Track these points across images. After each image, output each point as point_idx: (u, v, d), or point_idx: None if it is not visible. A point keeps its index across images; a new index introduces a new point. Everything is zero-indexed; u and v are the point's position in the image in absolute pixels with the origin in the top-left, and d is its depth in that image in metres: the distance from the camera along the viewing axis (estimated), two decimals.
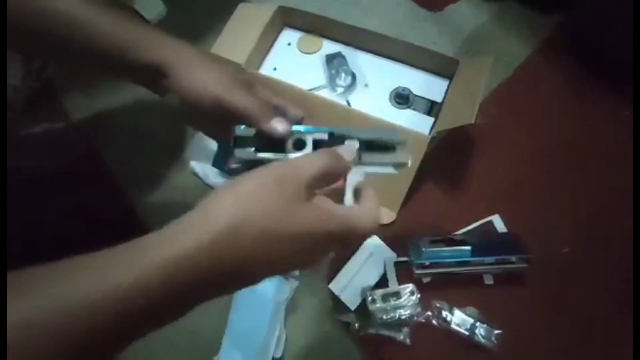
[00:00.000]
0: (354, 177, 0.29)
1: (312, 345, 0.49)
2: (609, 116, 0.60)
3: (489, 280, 0.50)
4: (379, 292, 0.49)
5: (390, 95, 0.58)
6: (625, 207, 0.54)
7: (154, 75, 0.34)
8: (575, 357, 0.48)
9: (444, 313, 0.48)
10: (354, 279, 0.51)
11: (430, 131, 0.55)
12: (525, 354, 0.47)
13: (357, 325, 0.48)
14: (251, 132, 0.31)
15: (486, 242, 0.50)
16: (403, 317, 0.48)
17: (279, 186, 0.24)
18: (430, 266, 0.49)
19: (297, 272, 0.52)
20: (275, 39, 0.64)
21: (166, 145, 0.60)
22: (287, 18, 0.63)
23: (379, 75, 0.60)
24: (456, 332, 0.47)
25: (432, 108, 0.57)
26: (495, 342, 0.47)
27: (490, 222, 0.53)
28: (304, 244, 0.24)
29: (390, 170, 0.31)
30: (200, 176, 0.57)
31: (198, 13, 0.67)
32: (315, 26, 0.63)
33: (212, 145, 0.50)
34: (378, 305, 0.48)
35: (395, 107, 0.58)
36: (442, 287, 0.50)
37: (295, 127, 0.30)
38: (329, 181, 0.27)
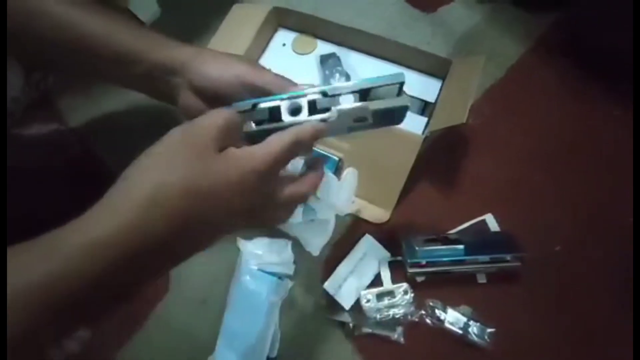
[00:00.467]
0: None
1: (306, 345, 0.49)
2: (602, 115, 0.60)
3: (482, 279, 0.51)
4: (373, 291, 0.49)
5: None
6: (618, 205, 0.54)
7: (162, 76, 0.33)
8: (569, 355, 0.48)
9: (438, 312, 0.48)
10: (349, 278, 0.51)
11: (423, 131, 0.55)
12: (518, 352, 0.48)
13: (351, 324, 0.49)
14: (248, 105, 0.30)
15: (479, 241, 0.50)
16: (397, 316, 0.48)
17: (188, 145, 0.24)
18: (424, 265, 0.49)
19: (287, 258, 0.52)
20: (270, 39, 0.64)
21: None
22: (281, 19, 0.64)
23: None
24: (450, 331, 0.48)
25: (425, 108, 0.58)
26: (488, 340, 0.47)
27: (483, 221, 0.54)
28: (234, 193, 0.24)
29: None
30: None
31: (192, 14, 0.67)
32: (309, 27, 0.63)
33: None
34: (372, 304, 0.49)
35: None
36: (435, 286, 0.50)
37: (288, 94, 0.30)
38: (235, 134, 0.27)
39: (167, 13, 0.66)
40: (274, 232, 0.53)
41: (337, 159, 0.53)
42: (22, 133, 0.60)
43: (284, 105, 0.29)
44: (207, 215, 0.24)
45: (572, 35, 0.65)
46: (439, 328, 0.48)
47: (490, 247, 0.49)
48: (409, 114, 0.57)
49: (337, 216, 0.51)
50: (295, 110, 0.29)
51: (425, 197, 0.55)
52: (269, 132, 0.28)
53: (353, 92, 0.29)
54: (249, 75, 0.32)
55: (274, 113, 0.29)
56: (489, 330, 0.47)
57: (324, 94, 0.29)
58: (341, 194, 0.50)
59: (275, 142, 0.26)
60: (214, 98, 0.32)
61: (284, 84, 0.32)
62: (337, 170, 0.53)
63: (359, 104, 0.29)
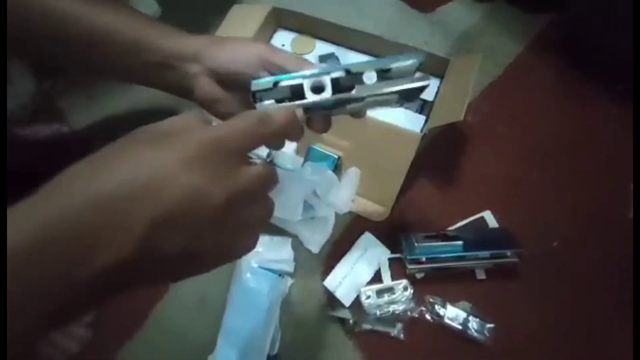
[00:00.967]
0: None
1: (307, 342, 0.50)
2: (600, 114, 0.61)
3: (481, 275, 0.51)
4: (373, 288, 0.50)
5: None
6: (617, 203, 0.55)
7: (177, 64, 0.32)
8: (568, 350, 0.48)
9: (437, 308, 0.48)
10: (348, 275, 0.51)
11: (422, 129, 0.56)
12: (517, 347, 0.48)
13: (351, 321, 0.49)
14: (269, 84, 0.28)
15: (478, 237, 0.51)
16: (397, 312, 0.48)
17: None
18: (424, 262, 0.49)
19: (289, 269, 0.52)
20: (269, 40, 0.65)
21: None
22: (280, 19, 0.64)
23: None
24: (449, 327, 0.48)
25: (423, 106, 0.58)
26: (488, 335, 0.47)
27: (482, 218, 0.54)
28: (192, 167, 0.20)
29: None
30: None
31: (192, 14, 0.68)
32: (308, 27, 0.64)
33: None
34: (372, 301, 0.49)
35: None
36: (435, 282, 0.51)
37: (310, 72, 0.28)
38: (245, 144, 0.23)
39: (166, 13, 0.66)
40: (275, 229, 0.54)
41: (336, 157, 0.54)
42: (23, 134, 0.61)
43: (307, 83, 0.28)
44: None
45: (570, 33, 0.66)
46: (439, 324, 0.48)
47: (489, 244, 0.50)
48: (407, 112, 0.58)
49: (336, 214, 0.52)
50: (318, 89, 0.28)
51: (424, 194, 0.56)
52: None
53: (375, 70, 0.28)
54: (269, 55, 0.31)
55: (296, 92, 0.28)
56: (489, 325, 0.48)
57: (348, 71, 0.28)
58: (341, 193, 0.51)
59: (240, 116, 0.24)
60: (233, 82, 0.32)
61: (304, 64, 0.31)
62: (336, 169, 0.54)
63: (383, 83, 0.28)
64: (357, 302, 0.50)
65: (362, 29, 0.60)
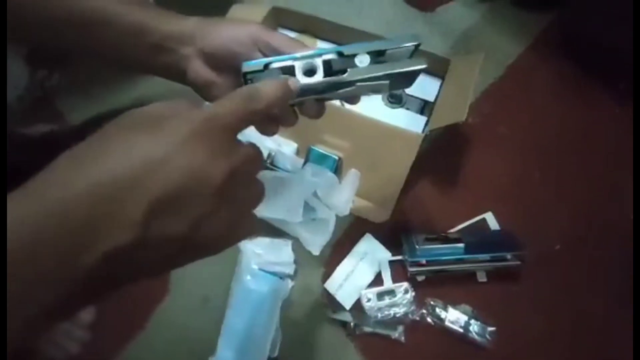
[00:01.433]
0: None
1: (308, 345, 0.49)
2: (602, 113, 0.60)
3: (482, 277, 0.51)
4: (374, 290, 0.49)
5: (383, 94, 0.59)
6: (618, 204, 0.55)
7: (172, 47, 0.32)
8: (570, 353, 0.48)
9: (438, 311, 0.48)
10: (349, 278, 0.51)
11: (423, 130, 0.55)
12: (519, 351, 0.48)
13: (352, 324, 0.49)
14: (260, 65, 0.27)
15: (480, 239, 0.50)
16: (398, 315, 0.48)
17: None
18: (425, 264, 0.49)
19: (290, 269, 0.52)
20: None
21: None
22: (280, 19, 0.64)
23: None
24: (451, 330, 0.48)
25: (425, 107, 0.58)
26: (489, 339, 0.47)
27: (484, 220, 0.54)
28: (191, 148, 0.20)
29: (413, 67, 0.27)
30: None
31: (191, 14, 0.67)
32: (308, 27, 0.63)
33: None
34: (373, 303, 0.49)
35: (389, 106, 0.58)
36: (436, 285, 0.50)
37: (302, 54, 0.28)
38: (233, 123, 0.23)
39: None
40: (275, 231, 0.53)
41: (336, 158, 0.53)
42: (22, 133, 0.60)
43: (298, 66, 0.27)
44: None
45: (571, 32, 0.65)
46: (440, 327, 0.48)
47: (490, 246, 0.49)
48: (408, 112, 0.58)
49: (337, 215, 0.51)
50: (309, 71, 0.27)
51: (425, 195, 0.56)
52: None
53: (369, 52, 0.27)
54: (262, 35, 0.30)
55: (287, 74, 0.27)
56: (490, 329, 0.47)
57: (340, 54, 0.27)
58: (342, 195, 0.50)
59: (230, 94, 0.23)
60: (225, 63, 0.31)
61: (297, 45, 0.30)
62: (337, 170, 0.53)
63: (376, 66, 0.27)
64: (357, 305, 0.50)
65: (362, 28, 0.59)
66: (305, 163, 0.53)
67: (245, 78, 0.28)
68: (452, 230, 0.53)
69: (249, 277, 0.50)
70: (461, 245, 0.48)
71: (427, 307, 0.49)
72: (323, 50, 0.27)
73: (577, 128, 0.59)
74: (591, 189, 0.56)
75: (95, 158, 0.19)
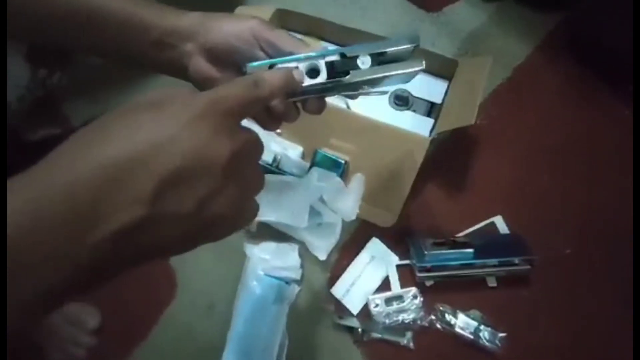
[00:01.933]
0: None
1: (315, 351, 0.49)
2: (610, 115, 0.59)
3: (492, 282, 0.50)
4: (382, 296, 0.49)
5: (389, 97, 0.58)
6: (628, 206, 0.53)
7: (173, 43, 0.32)
8: (582, 358, 0.47)
9: (448, 316, 0.47)
10: (356, 283, 0.51)
11: (430, 132, 0.54)
12: (530, 357, 0.47)
13: (360, 330, 0.48)
14: (264, 67, 0.28)
15: (489, 244, 0.50)
16: (406, 321, 0.47)
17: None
18: (433, 269, 0.48)
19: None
20: None
21: None
22: (285, 21, 0.63)
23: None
24: (460, 336, 0.47)
25: (431, 109, 0.57)
26: (499, 345, 0.46)
27: (493, 224, 0.53)
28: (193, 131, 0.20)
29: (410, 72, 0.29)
30: None
31: None
32: (313, 29, 0.62)
33: None
34: (381, 309, 0.48)
35: (395, 109, 0.57)
36: (445, 290, 0.49)
37: (305, 54, 0.29)
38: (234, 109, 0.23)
39: None
40: (281, 236, 0.53)
41: (343, 162, 0.53)
42: (27, 138, 0.60)
43: (302, 67, 0.28)
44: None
45: (579, 33, 0.64)
46: (449, 333, 0.47)
47: (500, 251, 0.48)
48: (415, 115, 0.57)
49: (343, 220, 0.51)
50: (313, 72, 0.28)
51: (433, 199, 0.55)
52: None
53: (370, 54, 0.29)
54: (263, 31, 0.30)
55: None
56: (501, 335, 0.46)
57: (343, 55, 0.28)
58: (348, 199, 0.50)
59: (236, 80, 0.24)
60: (226, 59, 0.31)
61: (298, 44, 0.30)
62: (343, 174, 0.53)
63: (377, 68, 0.29)
64: (365, 310, 0.49)
65: (367, 30, 0.59)
66: (311, 167, 0.53)
67: None
68: (460, 234, 0.52)
69: (255, 283, 0.50)
70: (470, 250, 0.48)
71: (436, 313, 0.48)
72: (326, 51, 0.28)
73: (586, 130, 0.59)
74: (601, 191, 0.55)
75: (101, 140, 0.19)
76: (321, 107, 0.32)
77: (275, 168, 0.53)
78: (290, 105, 0.30)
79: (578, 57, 0.63)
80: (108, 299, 0.50)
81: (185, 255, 0.23)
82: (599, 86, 0.61)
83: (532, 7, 0.66)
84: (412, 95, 0.58)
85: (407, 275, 0.50)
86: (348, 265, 0.51)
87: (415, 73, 0.29)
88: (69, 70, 0.62)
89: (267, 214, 0.50)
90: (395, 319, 0.47)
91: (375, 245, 0.52)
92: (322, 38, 0.63)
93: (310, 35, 0.63)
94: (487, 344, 0.46)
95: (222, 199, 0.21)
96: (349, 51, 0.28)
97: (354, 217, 0.50)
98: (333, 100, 0.58)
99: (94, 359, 0.49)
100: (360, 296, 0.50)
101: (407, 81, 0.31)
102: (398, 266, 0.51)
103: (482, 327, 0.47)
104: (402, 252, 0.51)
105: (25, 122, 0.60)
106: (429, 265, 0.48)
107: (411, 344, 0.47)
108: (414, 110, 0.57)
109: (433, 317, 0.48)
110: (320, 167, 0.52)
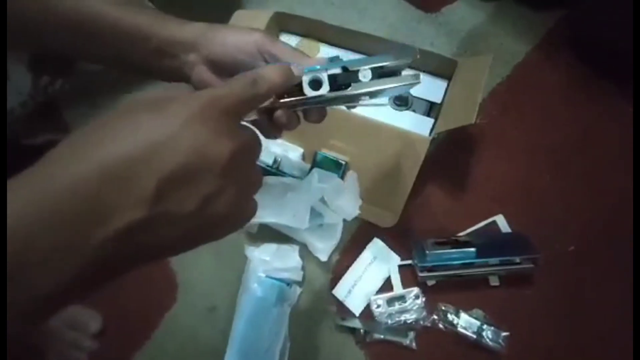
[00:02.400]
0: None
1: (317, 352, 0.48)
2: (610, 112, 0.59)
3: (494, 281, 0.50)
4: (384, 296, 0.49)
5: (389, 97, 0.58)
6: (630, 204, 0.53)
7: (174, 53, 0.32)
8: (585, 358, 0.47)
9: (450, 316, 0.47)
10: (358, 283, 0.50)
11: (430, 132, 0.54)
12: (534, 357, 0.47)
13: (362, 330, 0.48)
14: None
15: (491, 243, 0.49)
16: (409, 321, 0.47)
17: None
18: (435, 269, 0.48)
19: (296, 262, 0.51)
20: None
21: None
22: (283, 24, 0.63)
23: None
24: (463, 336, 0.47)
25: (431, 109, 0.57)
26: (503, 344, 0.46)
27: (494, 222, 0.53)
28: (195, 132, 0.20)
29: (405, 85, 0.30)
30: None
31: (195, 19, 0.67)
32: (312, 31, 0.63)
33: None
34: (383, 309, 0.48)
35: (395, 109, 0.57)
36: (447, 289, 0.49)
37: (307, 68, 0.29)
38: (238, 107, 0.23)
39: None
40: (282, 237, 0.53)
41: (343, 162, 0.53)
42: (28, 144, 0.60)
43: (305, 79, 0.29)
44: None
45: (579, 30, 0.64)
46: (452, 333, 0.47)
47: (502, 249, 0.48)
48: (415, 115, 0.57)
49: (344, 220, 0.51)
50: (316, 83, 0.29)
51: (434, 198, 0.55)
52: (291, 106, 0.28)
53: (370, 68, 0.30)
54: (266, 44, 0.31)
55: (295, 86, 0.29)
56: (504, 334, 0.46)
57: (345, 69, 0.29)
58: (348, 199, 0.50)
59: (235, 78, 0.24)
60: (229, 70, 0.32)
61: (301, 56, 0.31)
62: (344, 174, 0.53)
63: (377, 81, 0.30)
64: (367, 311, 0.49)
65: (366, 31, 0.59)
66: (311, 168, 0.53)
67: None
68: (462, 234, 0.52)
69: (256, 285, 0.50)
70: (472, 249, 0.47)
71: (439, 313, 0.48)
72: (328, 65, 0.29)
73: (586, 128, 0.58)
74: (602, 188, 0.54)
75: (101, 139, 0.19)
76: (322, 116, 0.33)
77: (276, 170, 0.53)
78: (292, 114, 0.31)
79: (577, 55, 0.63)
80: (109, 303, 0.50)
81: (186, 258, 0.23)
82: (599, 84, 0.61)
83: (531, 5, 0.66)
84: (411, 95, 0.58)
85: (408, 276, 0.50)
86: (349, 266, 0.51)
87: (413, 85, 0.30)
88: (71, 77, 0.63)
89: (268, 216, 0.50)
90: (397, 319, 0.47)
91: (376, 246, 0.52)
92: (320, 40, 0.63)
93: (308, 38, 0.63)
94: (490, 343, 0.46)
95: (223, 198, 0.21)
96: (351, 65, 0.29)
97: (355, 215, 0.50)
98: None
99: None
100: (362, 297, 0.49)
101: (406, 92, 0.32)
102: (400, 266, 0.51)
103: (484, 326, 0.46)
104: (403, 252, 0.51)
105: (27, 128, 0.60)
106: (430, 265, 0.47)
107: (414, 344, 0.47)
108: (413, 110, 0.57)
109: (435, 317, 0.47)
110: (321, 168, 0.52)
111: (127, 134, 0.19)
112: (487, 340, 0.46)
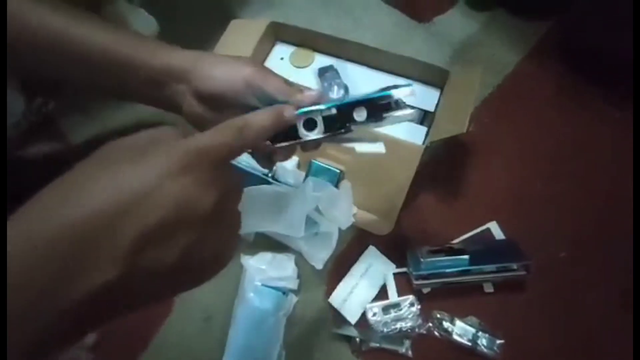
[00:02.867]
0: None
1: None
2: (600, 118, 0.60)
3: (489, 288, 0.50)
4: (379, 304, 0.49)
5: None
6: (621, 209, 0.54)
7: (165, 82, 0.32)
8: None
9: (445, 324, 0.47)
10: (354, 291, 0.51)
11: (424, 140, 0.55)
12: None
13: (358, 339, 0.48)
14: None
15: (484, 250, 0.50)
16: (404, 329, 0.47)
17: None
18: (430, 276, 0.48)
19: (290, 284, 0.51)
20: (268, 54, 0.64)
21: None
22: (279, 33, 0.64)
23: (371, 87, 0.60)
24: (458, 343, 0.47)
25: (424, 117, 0.58)
26: (498, 351, 0.46)
27: (488, 230, 0.53)
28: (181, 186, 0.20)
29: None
30: None
31: (190, 30, 0.67)
32: (307, 40, 0.63)
33: None
34: (378, 317, 0.48)
35: None
36: (442, 297, 0.50)
37: (301, 110, 0.29)
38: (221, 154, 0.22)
39: (166, 29, 0.66)
40: (278, 246, 0.53)
41: (337, 171, 0.53)
42: (23, 154, 0.60)
43: (300, 121, 0.29)
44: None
45: (568, 41, 0.66)
46: (447, 340, 0.47)
47: (495, 256, 0.49)
48: (408, 124, 0.58)
49: (340, 229, 0.51)
50: (311, 122, 0.29)
51: (428, 206, 0.55)
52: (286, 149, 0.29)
53: (365, 107, 0.31)
54: (256, 79, 0.31)
55: (290, 128, 0.29)
56: (499, 341, 0.46)
57: (339, 109, 0.30)
58: (342, 208, 0.50)
59: (222, 126, 0.23)
60: (220, 103, 0.31)
61: (291, 91, 0.31)
62: (338, 183, 0.53)
63: (371, 123, 0.31)
64: (363, 319, 0.49)
65: (360, 40, 0.60)
66: (306, 177, 0.53)
67: None
68: (456, 241, 0.53)
69: (252, 294, 0.50)
70: (466, 256, 0.48)
71: (434, 320, 0.48)
72: (321, 106, 0.30)
73: (577, 134, 0.59)
74: (594, 194, 0.55)
75: (80, 190, 0.19)
76: (317, 147, 0.33)
77: (271, 178, 0.54)
78: (288, 151, 0.32)
79: (568, 63, 0.64)
80: None
81: None
82: (589, 90, 0.62)
83: (522, 15, 0.68)
84: (405, 103, 0.58)
85: (404, 283, 0.51)
86: (345, 274, 0.51)
87: (405, 120, 0.31)
88: (64, 98, 0.63)
89: (263, 225, 0.50)
90: (393, 327, 0.47)
91: (371, 254, 0.52)
92: (315, 49, 0.64)
93: (303, 47, 0.64)
94: (485, 350, 0.46)
95: (203, 246, 0.21)
96: (346, 106, 0.30)
97: (349, 225, 0.50)
98: None
99: None
100: (358, 305, 0.50)
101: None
102: (395, 274, 0.51)
103: (479, 333, 0.47)
104: (398, 260, 0.52)
105: (24, 142, 0.60)
106: (425, 272, 0.48)
107: (409, 352, 0.47)
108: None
109: (430, 325, 0.48)
110: (316, 177, 0.52)
111: (106, 185, 0.19)
112: (482, 347, 0.46)
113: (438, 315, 0.48)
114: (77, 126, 0.63)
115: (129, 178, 0.19)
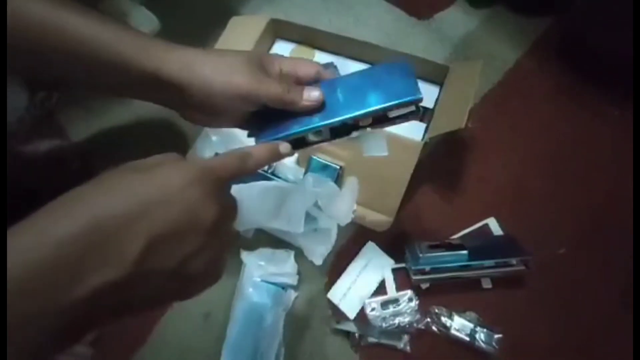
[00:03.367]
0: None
1: (311, 356, 0.49)
2: (599, 116, 0.60)
3: (487, 284, 0.50)
4: (378, 299, 0.49)
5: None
6: (620, 207, 0.54)
7: (157, 85, 0.32)
8: (578, 358, 0.47)
9: (444, 319, 0.48)
10: (352, 287, 0.51)
11: (423, 136, 0.55)
12: (527, 358, 0.47)
13: (357, 334, 0.48)
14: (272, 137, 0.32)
15: (483, 245, 0.50)
16: (402, 324, 0.47)
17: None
18: (428, 272, 0.48)
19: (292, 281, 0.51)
20: (268, 51, 0.64)
21: None
22: (279, 30, 0.64)
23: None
24: (456, 338, 0.47)
25: (424, 114, 0.58)
26: (496, 346, 0.46)
27: (487, 225, 0.53)
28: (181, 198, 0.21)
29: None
30: None
31: (191, 27, 0.68)
32: (307, 37, 0.64)
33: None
34: (377, 313, 0.48)
35: None
36: (440, 292, 0.50)
37: (309, 126, 0.31)
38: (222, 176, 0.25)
39: (167, 25, 0.66)
40: (278, 242, 0.53)
41: (337, 167, 0.53)
42: (23, 150, 0.60)
43: (307, 132, 0.31)
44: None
45: (568, 38, 0.66)
46: (446, 335, 0.47)
47: (494, 252, 0.49)
48: None
49: (339, 225, 0.51)
50: (318, 132, 0.32)
51: (427, 202, 0.55)
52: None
53: (372, 117, 0.32)
54: (251, 93, 0.31)
55: (297, 139, 0.32)
56: (497, 336, 0.47)
57: (345, 124, 0.31)
58: (343, 204, 0.50)
59: (225, 154, 0.27)
60: (215, 113, 0.32)
61: (286, 102, 0.31)
62: (338, 179, 0.53)
63: (377, 128, 0.33)
64: (362, 315, 0.49)
65: (360, 38, 0.60)
66: (306, 173, 0.53)
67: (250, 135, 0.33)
68: (455, 237, 0.53)
69: (251, 289, 0.50)
70: (465, 252, 0.48)
71: (432, 316, 0.48)
72: (328, 122, 0.31)
73: (577, 131, 0.59)
74: (592, 191, 0.55)
75: (95, 196, 0.20)
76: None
77: (271, 174, 0.54)
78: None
79: (568, 60, 0.64)
80: None
81: None
82: (589, 88, 0.62)
83: (522, 12, 0.68)
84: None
85: (403, 279, 0.51)
86: (344, 269, 0.52)
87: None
88: (68, 91, 0.63)
89: (263, 221, 0.50)
90: (391, 322, 0.47)
91: (370, 250, 0.53)
92: (315, 47, 0.64)
93: (303, 44, 0.64)
94: (483, 345, 0.46)
95: (200, 257, 0.22)
96: (349, 119, 0.31)
97: (348, 221, 0.50)
98: None
99: None
100: (356, 300, 0.50)
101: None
102: (394, 269, 0.51)
103: (478, 328, 0.47)
104: (397, 256, 0.52)
105: (25, 138, 0.60)
106: (424, 267, 0.48)
107: (408, 348, 0.47)
108: None
109: (429, 320, 0.48)
110: (315, 173, 0.53)
111: (120, 193, 0.20)
112: (481, 342, 0.46)
113: (436, 311, 0.48)
114: (78, 123, 0.63)
115: (141, 188, 0.21)
